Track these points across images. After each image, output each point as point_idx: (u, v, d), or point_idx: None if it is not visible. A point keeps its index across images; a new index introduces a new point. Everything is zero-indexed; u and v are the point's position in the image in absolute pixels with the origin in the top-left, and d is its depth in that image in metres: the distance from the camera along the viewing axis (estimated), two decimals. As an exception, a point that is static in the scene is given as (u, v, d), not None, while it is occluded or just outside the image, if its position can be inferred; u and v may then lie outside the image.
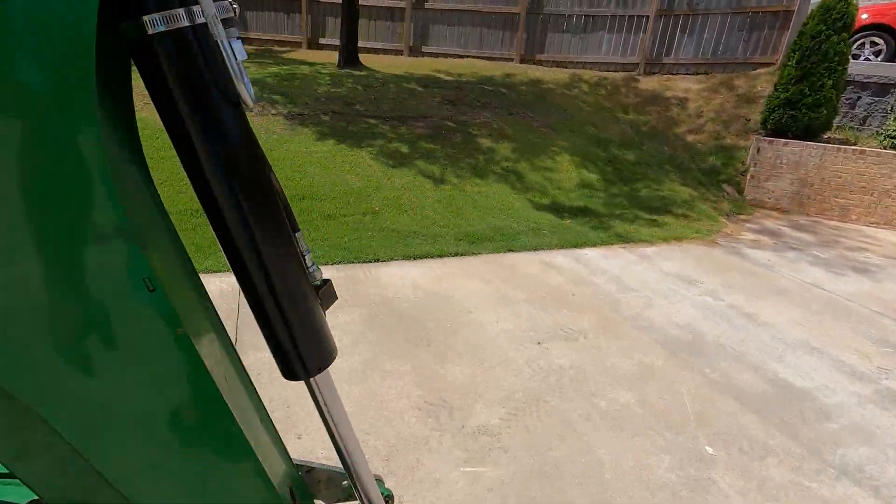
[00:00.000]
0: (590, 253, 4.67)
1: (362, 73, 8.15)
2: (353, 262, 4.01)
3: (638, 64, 9.73)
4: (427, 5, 10.72)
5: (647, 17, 9.42)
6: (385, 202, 5.10)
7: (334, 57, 9.17)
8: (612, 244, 4.94)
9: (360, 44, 9.63)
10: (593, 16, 9.91)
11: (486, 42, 10.69)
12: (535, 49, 10.45)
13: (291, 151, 5.57)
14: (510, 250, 4.55)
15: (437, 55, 10.90)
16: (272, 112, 6.25)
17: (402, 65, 9.50)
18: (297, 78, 7.37)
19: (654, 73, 9.68)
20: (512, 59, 10.52)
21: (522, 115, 7.55)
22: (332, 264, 3.94)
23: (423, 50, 11.06)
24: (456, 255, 4.35)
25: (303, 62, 9.34)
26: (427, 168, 5.82)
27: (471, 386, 2.64)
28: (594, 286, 3.97)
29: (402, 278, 3.81)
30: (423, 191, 5.42)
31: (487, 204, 5.44)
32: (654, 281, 4.15)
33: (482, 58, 10.58)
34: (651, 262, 4.56)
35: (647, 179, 6.84)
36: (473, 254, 4.41)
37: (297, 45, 11.91)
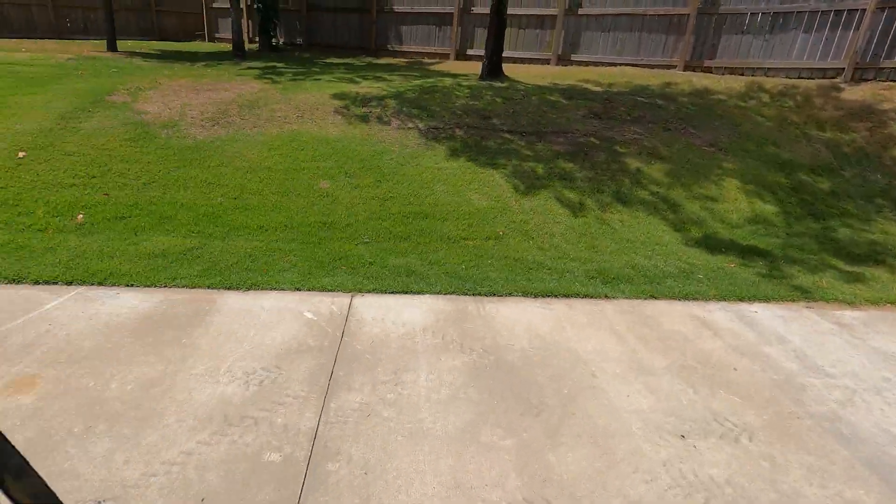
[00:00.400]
0: (761, 311, 3.69)
1: (503, 85, 7.84)
2: (466, 294, 3.67)
3: (843, 69, 7.90)
4: (581, 11, 10.05)
5: (863, 10, 7.57)
6: (511, 227, 4.69)
7: (479, 67, 9.02)
8: (793, 301, 3.87)
9: (506, 53, 9.35)
10: (785, 13, 8.31)
11: (644, 48, 9.66)
12: (703, 54, 9.14)
13: (421, 167, 5.46)
14: (653, 297, 3.80)
15: (586, 63, 10.18)
16: (409, 126, 6.24)
17: (547, 74, 8.99)
18: (437, 90, 7.33)
19: (865, 80, 7.76)
20: (674, 66, 9.35)
21: (682, 131, 6.54)
22: (443, 294, 3.65)
23: (571, 58, 10.42)
24: (585, 296, 3.76)
25: (447, 73, 9.37)
26: (562, 190, 5.26)
27: (585, 485, 2.09)
28: (766, 360, 3.07)
29: (518, 320, 3.36)
30: (555, 216, 4.89)
31: (629, 236, 4.69)
32: (858, 363, 3.08)
33: (638, 65, 9.59)
34: (853, 334, 3.43)
35: (847, 216, 5.38)
36: (606, 297, 3.76)
37: (446, 56, 12.12)
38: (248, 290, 3.56)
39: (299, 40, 14.61)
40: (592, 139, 6.18)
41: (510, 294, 3.72)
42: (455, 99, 7.04)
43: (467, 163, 5.59)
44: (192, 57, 11.16)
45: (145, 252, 3.91)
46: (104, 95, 6.45)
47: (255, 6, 13.66)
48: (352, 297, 3.55)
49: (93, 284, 3.50)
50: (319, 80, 8.16)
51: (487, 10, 9.37)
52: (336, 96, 6.96)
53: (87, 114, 5.90)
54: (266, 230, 4.38)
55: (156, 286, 3.53)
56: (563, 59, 10.44)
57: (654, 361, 2.98)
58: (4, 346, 2.76)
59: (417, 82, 7.94)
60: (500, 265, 4.11)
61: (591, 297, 3.75)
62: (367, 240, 4.36)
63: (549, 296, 3.73)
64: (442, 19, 11.93)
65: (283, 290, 3.58)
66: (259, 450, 2.16)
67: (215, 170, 5.16)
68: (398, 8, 12.49)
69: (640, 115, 6.87)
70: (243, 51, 11.64)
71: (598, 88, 7.91)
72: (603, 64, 9.91)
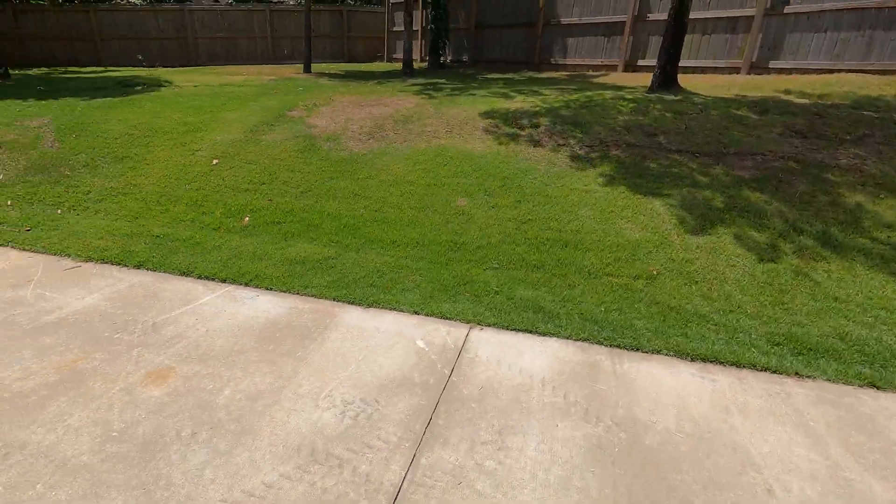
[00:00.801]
0: None
1: (676, 98, 6.85)
2: (602, 343, 3.09)
3: None
4: (787, 9, 8.41)
5: None
6: (668, 265, 3.91)
7: (650, 79, 8.10)
8: None
9: (684, 63, 8.24)
10: None
11: (877, 49, 7.66)
12: (975, 54, 6.87)
13: (567, 188, 4.94)
14: (873, 385, 2.75)
15: (789, 71, 8.48)
16: (559, 143, 5.76)
17: (734, 85, 7.66)
18: (595, 105, 6.71)
19: None
20: (923, 72, 7.22)
21: (932, 157, 4.89)
22: (574, 339, 3.12)
23: (769, 66, 8.79)
24: (764, 368, 2.88)
25: (611, 86, 8.61)
26: (743, 226, 4.26)
27: None
28: None
29: (665, 389, 2.68)
30: (730, 258, 3.95)
31: (839, 294, 3.55)
32: None
33: (866, 71, 7.63)
34: None
35: None
36: (797, 375, 2.83)
37: (613, 68, 11.28)
38: (369, 307, 3.49)
39: (465, 57, 15.05)
40: (791, 163, 4.95)
41: (658, 351, 3.03)
42: (616, 114, 6.34)
43: (622, 186, 4.90)
44: (367, 76, 12.20)
45: (289, 257, 4.15)
46: (286, 111, 7.28)
47: (429, 27, 14.48)
48: (469, 329, 3.24)
49: (241, 284, 3.79)
50: (474, 95, 8.13)
51: (665, 17, 8.38)
52: (487, 111, 6.81)
53: (269, 127, 6.68)
54: (398, 245, 4.34)
55: (290, 292, 3.67)
56: (758, 67, 8.84)
57: (875, 490, 2.07)
58: (157, 335, 3.07)
59: (575, 96, 7.39)
60: (650, 312, 3.41)
61: (774, 373, 2.85)
62: (497, 265, 4.03)
63: (711, 360, 2.94)
64: (612, 29, 11.13)
65: (401, 311, 3.44)
66: (335, 500, 1.95)
67: (363, 182, 5.36)
68: (565, 20, 12.02)
69: (865, 133, 5.33)
70: (412, 69, 12.35)
71: (803, 100, 6.43)
72: (813, 71, 8.11)
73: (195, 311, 3.38)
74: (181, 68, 15.47)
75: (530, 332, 3.22)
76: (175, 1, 18.33)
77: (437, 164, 5.58)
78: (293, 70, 14.23)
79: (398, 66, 15.87)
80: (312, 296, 3.62)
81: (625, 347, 3.06)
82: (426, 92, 8.56)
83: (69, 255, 4.20)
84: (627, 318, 3.35)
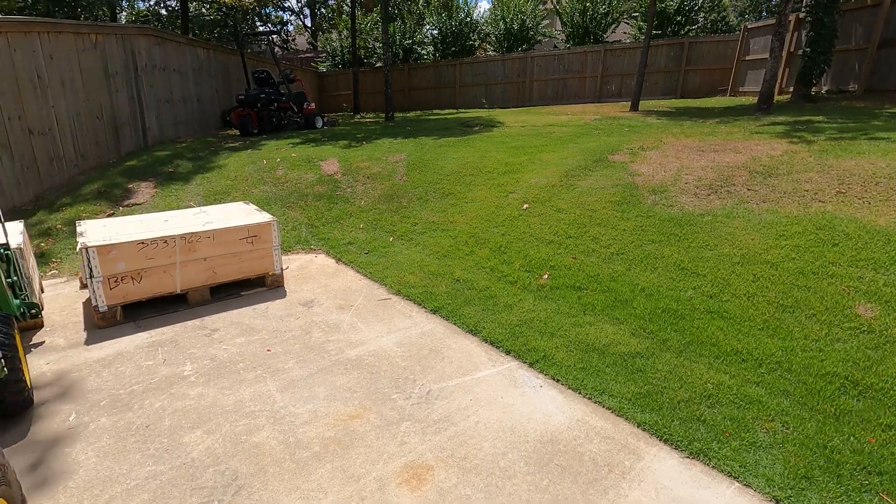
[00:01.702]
0: None
1: None
2: None
3: None
4: None
5: None
6: None
7: None
8: None
9: None
10: None
11: None
12: None
13: None
14: None
15: None
16: None
17: None
18: None
19: None
20: None
21: None
22: None
23: None
24: None
25: None
26: None
27: None
28: None
29: None
30: None
31: None
32: None
33: None
34: None
35: None
36: None
37: None
38: (692, 456, 2.34)
39: (852, 86, 11.31)
40: None
41: None
42: None
43: None
44: (706, 113, 10.42)
45: (585, 340, 3.34)
46: (607, 154, 6.56)
47: (800, 51, 11.50)
48: (900, 589, 1.71)
49: (524, 363, 3.19)
50: (884, 139, 5.60)
51: None
52: (918, 165, 4.44)
53: (586, 172, 6.09)
54: (744, 359, 2.97)
55: (580, 393, 2.86)
56: None
57: None
58: (429, 409, 2.73)
59: None
60: None
61: None
62: (955, 454, 2.21)
63: None
64: None
65: (747, 486, 2.15)
66: None
67: (694, 252, 4.10)
68: None
69: None
70: (770, 103, 9.91)
71: None
72: None
73: (471, 387, 2.94)
74: (514, 109, 16.92)
75: None
76: (522, 50, 20.37)
77: (820, 240, 3.80)
78: (618, 108, 13.59)
79: (744, 100, 13.25)
80: (609, 409, 2.70)
81: None
82: (797, 133, 6.44)
83: (385, 285, 4.50)
84: None
